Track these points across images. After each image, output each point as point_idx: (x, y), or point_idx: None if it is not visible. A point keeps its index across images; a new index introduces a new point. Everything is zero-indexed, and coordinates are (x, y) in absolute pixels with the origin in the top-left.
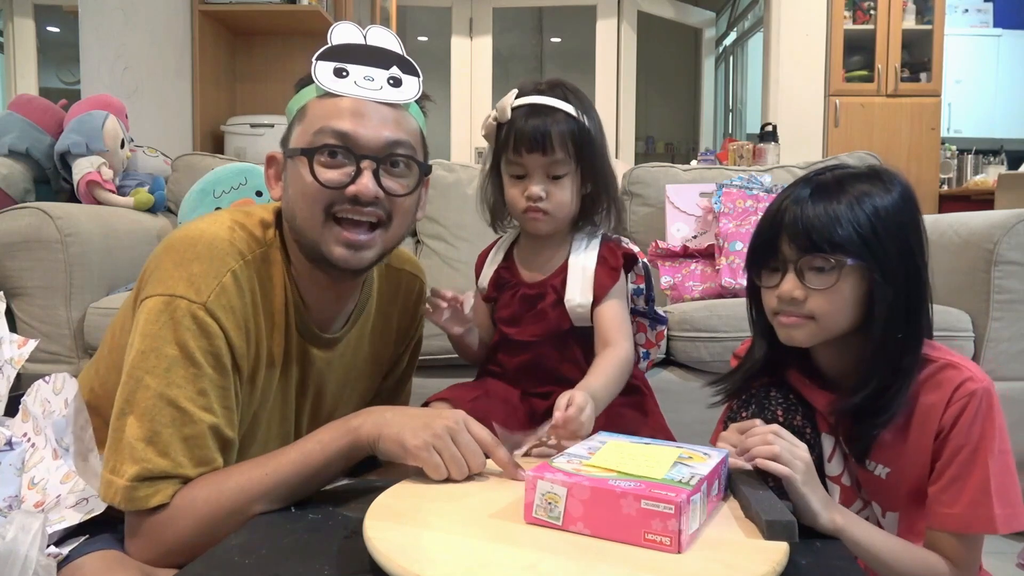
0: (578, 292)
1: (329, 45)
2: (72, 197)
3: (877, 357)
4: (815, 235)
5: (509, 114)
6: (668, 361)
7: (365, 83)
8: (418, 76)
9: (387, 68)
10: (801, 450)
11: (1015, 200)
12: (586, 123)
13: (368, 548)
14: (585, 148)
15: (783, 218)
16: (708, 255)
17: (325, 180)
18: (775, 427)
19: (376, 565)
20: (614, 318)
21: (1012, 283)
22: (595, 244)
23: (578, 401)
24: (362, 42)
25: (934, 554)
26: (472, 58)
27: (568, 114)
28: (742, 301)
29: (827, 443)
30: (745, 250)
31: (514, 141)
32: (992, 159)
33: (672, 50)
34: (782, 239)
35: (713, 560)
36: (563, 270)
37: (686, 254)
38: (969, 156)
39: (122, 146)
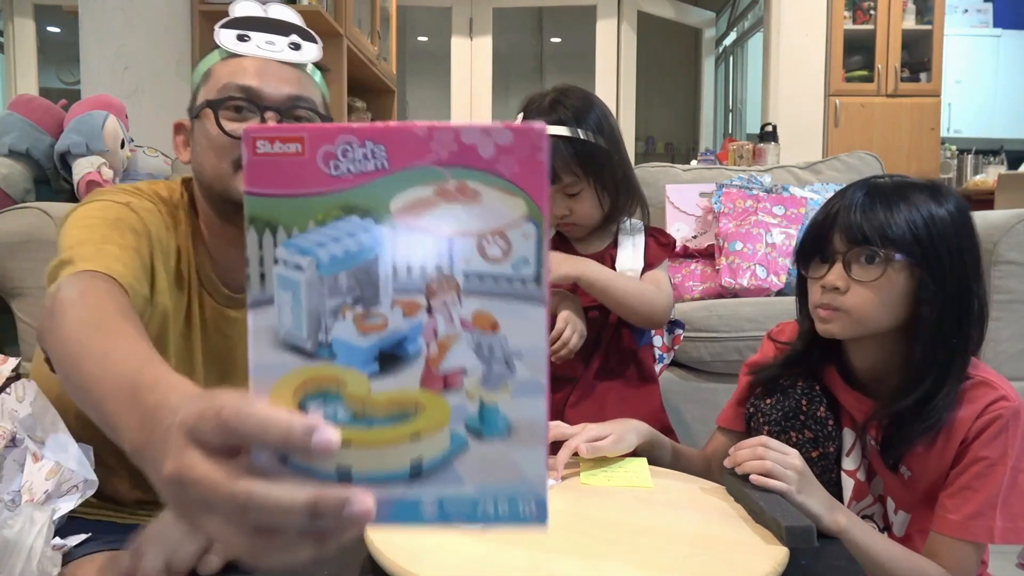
0: (629, 258)
1: (231, 17)
2: (72, 197)
3: (926, 362)
4: (867, 228)
5: None
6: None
7: (267, 46)
8: (317, 43)
9: (287, 35)
10: (792, 458)
11: (1015, 200)
12: (583, 135)
13: (368, 548)
14: (590, 162)
15: (837, 212)
16: (708, 255)
17: (232, 130)
18: (763, 439)
19: (376, 565)
20: (658, 279)
21: (1012, 283)
22: (640, 228)
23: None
24: (263, 15)
25: (932, 563)
26: (472, 58)
27: (566, 138)
28: (742, 301)
29: (847, 438)
30: (744, 250)
31: None
32: (992, 159)
33: (672, 50)
34: (834, 232)
35: (717, 559)
36: (616, 244)
37: (686, 254)
38: (969, 156)
39: (122, 146)
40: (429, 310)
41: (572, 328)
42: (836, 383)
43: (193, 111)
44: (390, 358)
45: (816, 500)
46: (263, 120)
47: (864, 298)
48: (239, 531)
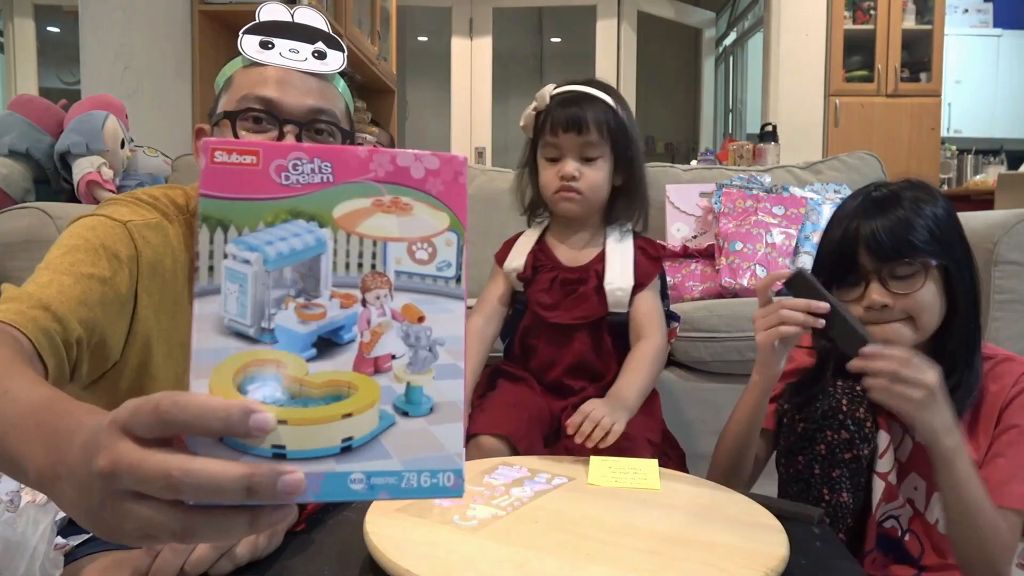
0: (618, 276)
1: (256, 21)
2: (72, 197)
3: (961, 347)
4: (896, 244)
5: (548, 100)
6: (668, 361)
7: (290, 55)
8: (343, 51)
9: (312, 43)
10: (928, 375)
11: (1015, 200)
12: (620, 113)
13: (368, 547)
14: (619, 135)
15: (856, 233)
16: (708, 255)
17: None
18: (906, 354)
19: (376, 564)
20: (650, 311)
21: (1012, 283)
22: (628, 236)
23: (586, 410)
24: (289, 20)
25: (1004, 523)
26: (472, 58)
27: (604, 102)
28: (742, 301)
29: (882, 440)
30: (744, 250)
31: (551, 123)
32: (992, 159)
33: (672, 50)
34: (859, 252)
35: (705, 564)
36: (603, 256)
37: (686, 254)
38: (969, 156)
39: (122, 146)
40: (364, 303)
41: (620, 425)
42: None
43: (213, 119)
44: (327, 344)
45: (937, 422)
46: (282, 133)
47: (916, 304)
48: (174, 513)
